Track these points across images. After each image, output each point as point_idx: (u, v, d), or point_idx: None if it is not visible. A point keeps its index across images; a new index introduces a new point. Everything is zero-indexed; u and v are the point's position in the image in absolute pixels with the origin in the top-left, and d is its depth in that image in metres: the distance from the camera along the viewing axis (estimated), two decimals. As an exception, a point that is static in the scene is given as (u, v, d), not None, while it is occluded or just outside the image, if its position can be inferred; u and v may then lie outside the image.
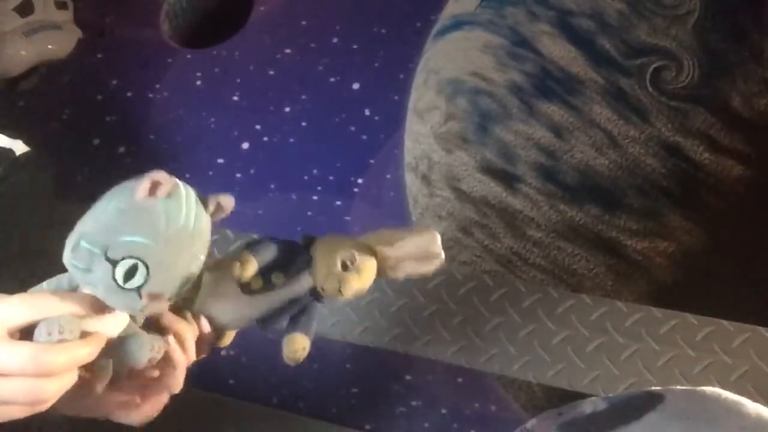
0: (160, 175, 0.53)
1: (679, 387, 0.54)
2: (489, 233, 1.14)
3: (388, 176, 1.22)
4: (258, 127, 1.27)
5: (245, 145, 1.26)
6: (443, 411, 1.09)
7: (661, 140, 1.13)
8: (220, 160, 1.24)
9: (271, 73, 1.32)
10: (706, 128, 1.12)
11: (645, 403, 0.52)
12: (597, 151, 1.14)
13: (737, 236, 1.10)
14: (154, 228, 0.53)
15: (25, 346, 0.51)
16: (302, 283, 0.61)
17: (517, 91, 1.19)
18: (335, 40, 1.32)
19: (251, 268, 0.58)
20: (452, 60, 1.25)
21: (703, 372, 0.92)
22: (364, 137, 1.23)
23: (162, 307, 0.54)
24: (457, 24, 1.26)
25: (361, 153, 1.22)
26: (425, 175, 1.20)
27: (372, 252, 0.62)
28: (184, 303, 0.58)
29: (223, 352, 1.13)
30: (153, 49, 1.37)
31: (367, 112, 1.24)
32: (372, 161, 1.23)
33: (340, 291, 0.60)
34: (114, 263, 0.52)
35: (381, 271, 0.62)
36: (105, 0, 1.44)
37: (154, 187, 0.53)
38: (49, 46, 1.36)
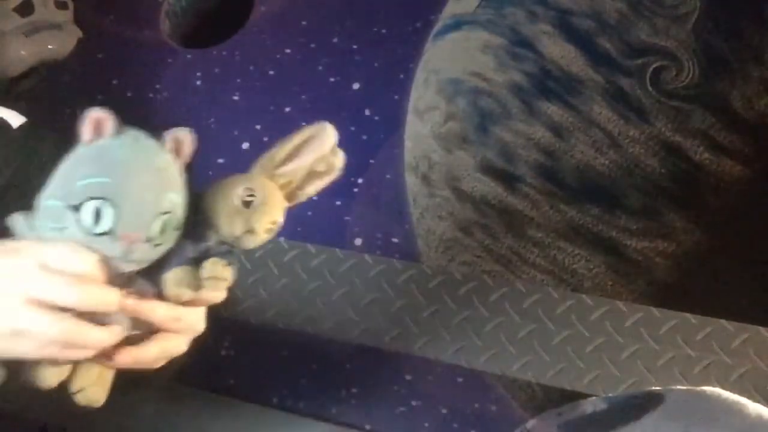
0: (99, 113, 0.52)
1: (679, 387, 0.54)
2: (489, 233, 1.14)
3: (388, 176, 1.22)
4: (258, 127, 1.27)
5: (245, 145, 1.26)
6: (443, 411, 1.09)
7: (661, 140, 1.13)
8: (220, 160, 1.24)
9: (271, 73, 1.32)
10: (706, 128, 1.12)
11: (645, 403, 0.52)
12: (597, 151, 1.14)
13: (737, 236, 1.10)
14: (107, 165, 0.51)
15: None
16: (212, 241, 0.55)
17: (517, 91, 1.19)
18: (335, 40, 1.32)
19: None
20: (452, 60, 1.25)
21: (703, 372, 0.92)
22: (364, 137, 1.23)
23: (149, 252, 0.52)
24: (457, 24, 1.26)
25: (361, 153, 1.22)
26: (425, 175, 1.20)
27: (269, 178, 0.56)
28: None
29: (223, 352, 1.13)
30: (153, 49, 1.37)
31: (367, 112, 1.24)
32: (372, 161, 1.23)
33: (253, 230, 0.53)
34: (77, 209, 0.50)
35: (289, 196, 0.57)
36: (105, 0, 1.44)
37: (98, 126, 0.52)
38: (49, 46, 1.36)
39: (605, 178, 1.14)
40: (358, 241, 1.18)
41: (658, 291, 1.09)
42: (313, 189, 0.58)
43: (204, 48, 1.36)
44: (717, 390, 0.53)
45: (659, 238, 1.10)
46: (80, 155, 0.52)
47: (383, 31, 1.31)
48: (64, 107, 1.34)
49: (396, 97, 1.25)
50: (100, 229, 0.50)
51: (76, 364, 0.56)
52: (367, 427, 1.08)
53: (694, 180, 1.11)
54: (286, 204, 0.56)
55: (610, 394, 0.56)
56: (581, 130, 1.15)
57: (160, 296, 0.54)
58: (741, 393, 0.53)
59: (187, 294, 0.53)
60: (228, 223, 0.54)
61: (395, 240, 1.18)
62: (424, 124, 1.23)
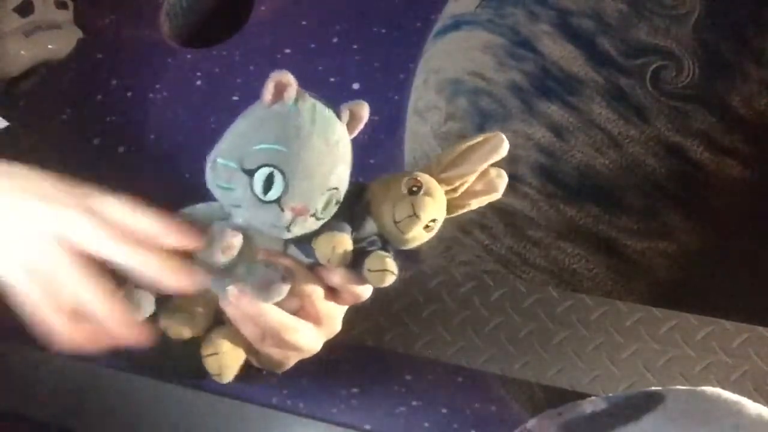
0: (283, 76, 0.53)
1: (679, 387, 0.54)
2: (489, 233, 1.14)
3: (388, 176, 1.22)
4: (258, 127, 1.27)
5: (245, 145, 1.26)
6: (443, 411, 1.09)
7: (661, 140, 1.13)
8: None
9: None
10: (706, 128, 1.12)
11: (645, 403, 0.52)
12: (597, 151, 1.14)
13: (737, 236, 1.10)
14: (285, 133, 0.52)
15: None
16: (366, 231, 0.56)
17: (517, 91, 1.19)
18: (335, 40, 1.32)
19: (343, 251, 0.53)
20: (452, 60, 1.25)
21: (703, 372, 0.92)
22: (364, 137, 1.23)
23: (309, 225, 0.52)
24: (457, 24, 1.26)
25: (361, 153, 1.22)
26: (425, 175, 1.20)
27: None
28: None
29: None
30: (153, 49, 1.37)
31: (367, 112, 1.24)
32: (372, 161, 1.22)
33: (416, 215, 0.53)
34: (250, 174, 0.51)
35: (448, 206, 0.56)
36: (105, 0, 1.44)
37: (279, 89, 0.53)
38: (49, 46, 1.36)
39: (605, 178, 1.14)
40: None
41: (658, 291, 1.09)
42: (474, 204, 0.58)
43: (204, 48, 1.36)
44: (717, 390, 0.53)
45: (659, 238, 1.10)
46: (259, 118, 0.54)
47: (383, 31, 1.31)
48: (64, 107, 1.34)
49: (396, 97, 1.25)
50: (268, 197, 0.51)
51: (211, 327, 0.56)
52: (367, 427, 1.08)
53: (694, 180, 1.11)
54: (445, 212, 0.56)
55: (610, 394, 0.56)
56: (581, 130, 1.15)
57: (312, 267, 0.56)
58: (741, 393, 0.53)
59: (337, 258, 0.53)
60: (391, 207, 0.54)
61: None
62: (424, 124, 1.23)
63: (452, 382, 1.08)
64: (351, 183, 0.57)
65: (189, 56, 1.36)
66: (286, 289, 0.53)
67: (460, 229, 1.15)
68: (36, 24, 1.34)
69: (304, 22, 1.35)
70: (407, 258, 1.15)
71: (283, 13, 1.37)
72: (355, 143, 1.25)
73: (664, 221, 1.11)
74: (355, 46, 1.31)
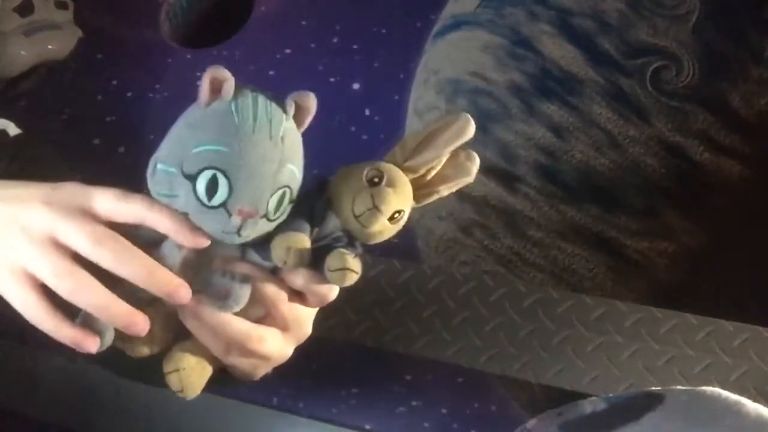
0: (219, 71, 0.48)
1: (679, 387, 0.54)
2: (489, 233, 1.14)
3: (388, 176, 1.22)
4: (258, 127, 1.27)
5: (245, 145, 1.26)
6: (443, 411, 1.09)
7: (661, 140, 1.13)
8: (220, 160, 1.24)
9: (271, 73, 1.32)
10: (706, 128, 1.12)
11: (645, 403, 0.52)
12: (597, 151, 1.14)
13: (737, 236, 1.10)
14: (225, 131, 0.48)
15: None
16: (330, 228, 0.52)
17: (517, 91, 1.19)
18: (335, 40, 1.32)
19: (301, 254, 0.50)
20: (452, 60, 1.25)
21: (703, 372, 0.92)
22: (364, 137, 1.23)
23: (262, 227, 0.49)
24: (457, 24, 1.26)
25: (361, 153, 1.22)
26: (425, 175, 1.20)
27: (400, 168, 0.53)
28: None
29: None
30: (153, 49, 1.37)
31: (367, 112, 1.24)
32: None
33: (376, 208, 0.50)
34: (192, 179, 0.47)
35: (418, 195, 0.54)
36: (105, 0, 1.44)
37: (216, 86, 0.48)
38: (49, 46, 1.36)
39: (605, 178, 1.14)
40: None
41: (658, 291, 1.09)
42: (444, 190, 0.55)
43: (204, 48, 1.36)
44: (717, 390, 0.53)
45: (659, 238, 1.10)
46: (196, 118, 0.49)
47: (383, 31, 1.31)
48: (64, 107, 1.35)
49: (396, 97, 1.25)
50: (213, 202, 0.47)
51: (174, 343, 0.52)
52: (367, 427, 1.08)
53: (694, 180, 1.11)
54: (413, 201, 0.53)
55: (610, 394, 0.56)
56: (581, 130, 1.15)
57: (274, 271, 0.52)
58: (741, 393, 0.52)
59: (293, 259, 0.49)
60: (350, 201, 0.51)
61: (395, 240, 1.18)
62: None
63: (452, 382, 1.08)
64: (312, 176, 0.53)
65: (189, 56, 1.36)
66: (245, 296, 0.50)
67: (461, 229, 1.15)
68: (36, 24, 1.34)
69: (304, 22, 1.35)
70: (407, 258, 1.15)
71: (283, 13, 1.37)
72: (356, 144, 1.25)
73: (664, 221, 1.11)
74: (355, 46, 1.31)
